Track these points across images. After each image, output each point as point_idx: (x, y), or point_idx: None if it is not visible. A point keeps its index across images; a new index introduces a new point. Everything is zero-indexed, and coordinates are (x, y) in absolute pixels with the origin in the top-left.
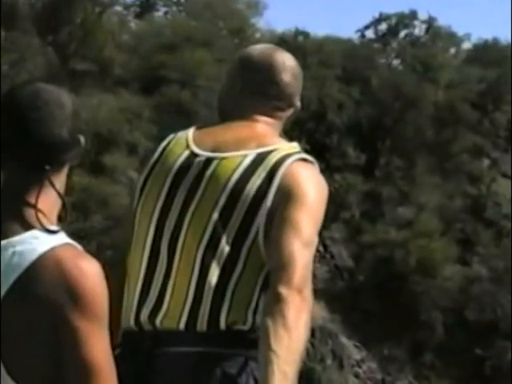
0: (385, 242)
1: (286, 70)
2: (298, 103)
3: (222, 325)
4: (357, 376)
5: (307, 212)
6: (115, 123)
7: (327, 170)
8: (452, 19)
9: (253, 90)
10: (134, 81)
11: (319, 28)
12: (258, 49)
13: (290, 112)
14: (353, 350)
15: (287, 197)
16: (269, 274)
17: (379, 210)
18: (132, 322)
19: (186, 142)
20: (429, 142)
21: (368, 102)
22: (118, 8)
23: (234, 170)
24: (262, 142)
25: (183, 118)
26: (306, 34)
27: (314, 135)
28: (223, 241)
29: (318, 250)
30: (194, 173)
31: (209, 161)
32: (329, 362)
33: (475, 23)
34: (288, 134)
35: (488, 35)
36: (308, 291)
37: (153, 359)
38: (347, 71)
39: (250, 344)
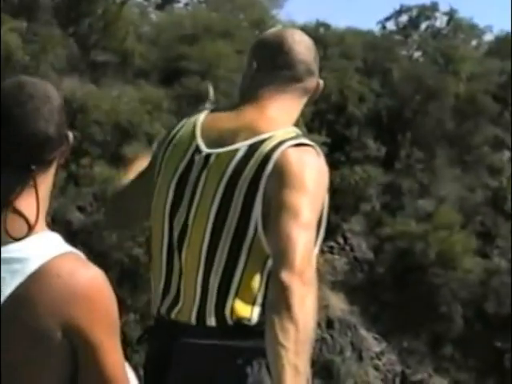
0: (405, 235)
1: (296, 42)
2: (320, 80)
3: (229, 320)
4: (376, 368)
5: (304, 194)
6: (135, 114)
7: (347, 162)
8: (473, 11)
9: (265, 66)
10: (154, 72)
11: (340, 20)
12: (270, 31)
13: (312, 83)
14: (372, 342)
15: (282, 181)
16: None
17: (399, 202)
18: (155, 313)
19: (192, 132)
20: (449, 134)
21: (388, 94)
22: None
23: (227, 167)
24: (258, 129)
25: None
26: (326, 26)
27: (334, 127)
28: (223, 238)
29: (337, 242)
30: (197, 171)
31: (207, 158)
32: (348, 353)
33: (497, 15)
34: (308, 125)
35: (509, 27)
36: (310, 273)
37: (170, 349)
38: (368, 63)
39: (261, 335)
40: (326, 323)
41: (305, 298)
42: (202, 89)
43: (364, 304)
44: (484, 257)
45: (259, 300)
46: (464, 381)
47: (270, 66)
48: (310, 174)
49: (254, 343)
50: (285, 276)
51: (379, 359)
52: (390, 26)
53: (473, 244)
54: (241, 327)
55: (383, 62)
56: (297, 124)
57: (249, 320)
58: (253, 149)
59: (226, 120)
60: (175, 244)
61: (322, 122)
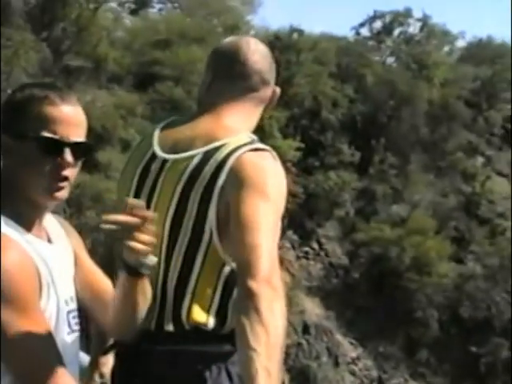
0: (379, 240)
1: (251, 51)
2: (277, 88)
3: (186, 325)
4: (353, 373)
5: (265, 201)
6: (109, 119)
7: (321, 168)
8: (446, 17)
9: (221, 75)
10: (128, 77)
11: (314, 26)
12: (227, 40)
13: (267, 92)
14: (348, 348)
15: (240, 187)
16: (230, 275)
17: (373, 207)
18: None
19: (151, 140)
20: (423, 139)
21: (362, 100)
22: (113, 4)
23: (183, 173)
24: (214, 136)
25: (177, 114)
26: (300, 32)
27: (309, 132)
28: (178, 245)
29: (312, 248)
30: (152, 177)
31: (163, 164)
32: (324, 359)
33: (469, 21)
34: (282, 130)
35: (482, 33)
36: (277, 279)
37: (133, 356)
38: (341, 69)
39: (220, 340)
40: (302, 328)
41: (273, 303)
42: (175, 94)
43: (340, 309)
44: (458, 262)
45: (214, 306)
46: None
47: (225, 75)
48: (268, 179)
49: (213, 348)
50: (252, 284)
51: (355, 364)
52: (364, 31)
53: (447, 249)
54: (198, 332)
55: (357, 67)
56: (256, 128)
57: (205, 325)
58: (208, 155)
59: (183, 129)
60: None
61: (296, 127)
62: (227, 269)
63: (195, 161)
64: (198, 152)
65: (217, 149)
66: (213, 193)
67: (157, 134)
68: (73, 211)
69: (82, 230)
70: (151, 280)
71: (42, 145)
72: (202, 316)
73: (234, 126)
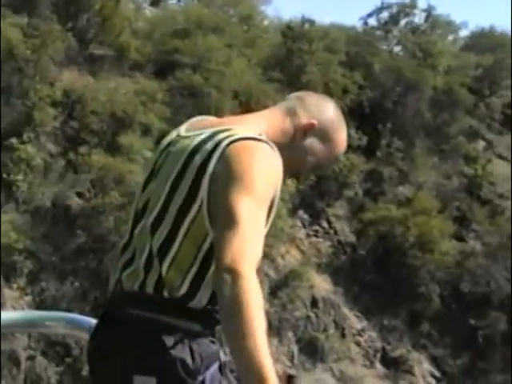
0: (385, 219)
1: (315, 97)
2: (315, 121)
3: (165, 291)
4: (358, 344)
5: (246, 194)
6: (131, 105)
7: None
8: (450, 8)
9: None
10: (148, 65)
11: (324, 16)
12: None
13: (302, 122)
14: (354, 320)
15: (226, 177)
16: (209, 250)
17: (380, 188)
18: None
19: (180, 126)
20: (427, 124)
21: (370, 87)
22: None
23: (187, 146)
24: (227, 123)
25: (195, 100)
26: (311, 22)
27: None
28: (171, 209)
29: (322, 226)
30: (169, 149)
31: (176, 140)
32: (331, 331)
33: (472, 12)
34: None
35: (485, 23)
36: (244, 266)
37: (107, 322)
38: (351, 57)
39: (192, 318)
40: (311, 302)
41: (239, 291)
42: (194, 81)
43: (347, 284)
44: (460, 240)
45: (191, 275)
46: (440, 356)
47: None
48: (256, 170)
49: (185, 324)
50: (218, 275)
51: (361, 336)
52: (372, 22)
53: (449, 228)
54: (175, 303)
55: (365, 56)
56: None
57: (178, 288)
58: (212, 135)
59: (214, 120)
60: (139, 212)
61: None
62: (208, 242)
63: (201, 137)
64: (206, 131)
65: (221, 131)
66: (206, 170)
67: (188, 122)
68: (97, 191)
69: (106, 209)
70: (140, 239)
71: None
72: (176, 281)
73: (252, 120)
